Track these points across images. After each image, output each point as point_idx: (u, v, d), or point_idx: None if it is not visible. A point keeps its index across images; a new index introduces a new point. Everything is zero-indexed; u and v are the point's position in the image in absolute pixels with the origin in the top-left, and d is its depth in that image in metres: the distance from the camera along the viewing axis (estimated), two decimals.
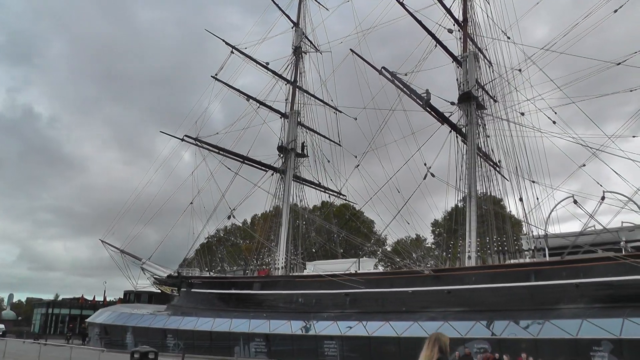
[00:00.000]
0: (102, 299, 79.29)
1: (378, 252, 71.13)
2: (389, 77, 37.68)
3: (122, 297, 76.18)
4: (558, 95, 38.35)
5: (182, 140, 48.13)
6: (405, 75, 38.20)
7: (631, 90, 38.21)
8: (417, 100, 38.24)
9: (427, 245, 73.66)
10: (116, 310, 52.72)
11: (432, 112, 39.56)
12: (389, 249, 73.74)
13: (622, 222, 33.61)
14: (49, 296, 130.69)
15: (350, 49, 41.00)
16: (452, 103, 40.76)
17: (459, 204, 71.59)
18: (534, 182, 39.85)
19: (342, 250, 59.86)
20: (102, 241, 53.95)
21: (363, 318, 35.95)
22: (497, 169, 42.31)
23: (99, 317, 52.79)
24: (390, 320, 34.19)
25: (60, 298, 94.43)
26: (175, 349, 42.69)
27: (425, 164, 39.19)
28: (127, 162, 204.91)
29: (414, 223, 43.17)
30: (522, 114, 40.24)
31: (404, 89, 37.98)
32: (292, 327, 37.82)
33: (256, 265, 53.98)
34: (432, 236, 75.92)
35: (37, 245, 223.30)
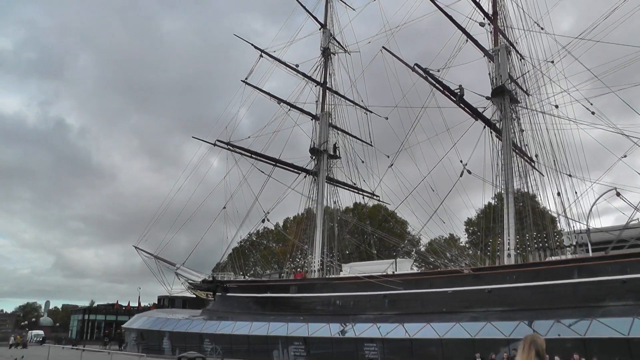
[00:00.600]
0: (137, 305, 79.81)
1: (412, 253, 70.53)
2: (422, 73, 37.16)
3: (157, 302, 76.72)
4: (590, 86, 37.59)
5: (215, 145, 48.16)
6: (438, 71, 37.67)
7: None
8: (451, 96, 37.70)
9: (461, 244, 72.64)
10: (152, 315, 52.90)
11: (465, 108, 38.97)
12: (422, 249, 73.14)
13: None
14: (83, 303, 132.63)
15: (383, 47, 40.67)
16: (487, 98, 40.07)
17: (493, 202, 71.04)
18: (570, 175, 39.13)
19: (375, 252, 59.47)
20: (135, 247, 54.29)
21: (403, 320, 35.44)
22: (533, 163, 41.52)
23: (135, 322, 53.08)
24: (431, 322, 33.65)
25: (95, 304, 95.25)
26: (213, 354, 42.67)
27: (461, 161, 38.73)
28: (155, 170, 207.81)
29: (448, 222, 42.49)
30: (557, 106, 39.46)
31: (437, 85, 37.46)
32: (331, 329, 37.46)
33: (291, 269, 53.69)
34: (466, 235, 74.95)
35: (69, 253, 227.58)
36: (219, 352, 42.16)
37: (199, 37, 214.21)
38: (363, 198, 53.30)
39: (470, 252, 57.07)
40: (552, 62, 39.88)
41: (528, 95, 42.48)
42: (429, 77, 37.25)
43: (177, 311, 56.68)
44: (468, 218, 72.63)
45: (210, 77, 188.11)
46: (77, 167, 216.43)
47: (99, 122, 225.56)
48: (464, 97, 38.63)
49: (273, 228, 73.33)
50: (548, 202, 38.17)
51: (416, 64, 37.07)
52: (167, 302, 71.09)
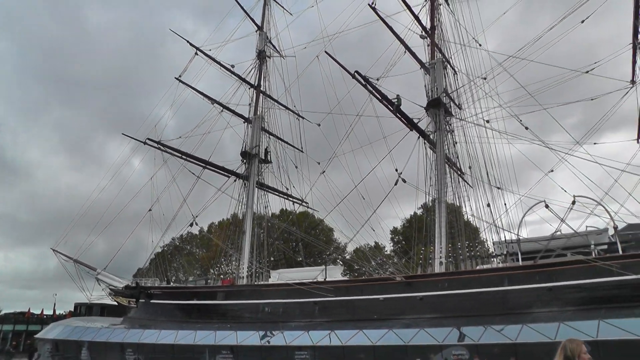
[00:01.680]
0: (52, 313, 75.84)
1: (338, 260, 70.63)
2: (362, 81, 37.21)
3: (73, 310, 73.22)
4: (520, 103, 38.75)
5: (145, 143, 46.35)
6: (377, 80, 37.80)
7: (592, 99, 39.12)
8: (388, 106, 37.94)
9: (387, 252, 73.38)
10: (69, 324, 49.94)
11: (401, 118, 39.28)
12: (348, 256, 73.41)
13: (587, 227, 33.97)
14: None
15: (325, 51, 40.39)
16: (425, 107, 40.59)
17: (418, 211, 72.20)
18: (499, 188, 40.21)
19: (300, 259, 59.06)
20: (53, 250, 51.67)
21: (334, 327, 35.02)
22: (462, 175, 42.43)
23: (50, 332, 49.91)
24: (363, 329, 33.37)
25: (2, 312, 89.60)
26: None
27: (396, 170, 38.93)
28: (76, 168, 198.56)
29: (373, 231, 42.75)
30: (487, 121, 40.45)
31: (376, 94, 37.60)
32: (260, 337, 36.57)
33: (218, 275, 52.43)
34: (392, 244, 75.75)
35: None
36: None
37: (129, 33, 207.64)
38: (293, 204, 52.81)
39: (395, 260, 57.56)
40: (485, 78, 40.97)
41: (460, 109, 43.42)
42: (368, 86, 37.34)
43: (96, 319, 53.92)
44: (394, 227, 73.47)
45: (138, 74, 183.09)
46: None
47: (17, 114, 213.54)
48: (401, 107, 39.01)
49: (204, 232, 71.80)
50: (481, 213, 38.77)
51: (356, 71, 37.08)
52: (84, 310, 67.79)
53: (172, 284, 53.98)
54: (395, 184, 39.09)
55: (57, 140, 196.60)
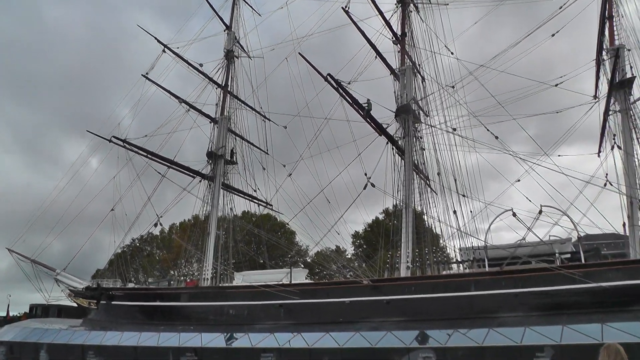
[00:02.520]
0: (6, 314, 73.65)
1: (300, 263, 70.59)
2: (334, 84, 37.28)
3: (28, 311, 71.19)
4: (488, 113, 39.39)
5: (110, 141, 45.51)
6: (349, 84, 37.89)
7: (557, 112, 40.10)
8: (359, 110, 38.12)
9: (348, 256, 73.45)
10: (27, 326, 48.51)
11: (371, 123, 39.48)
12: (309, 259, 73.42)
13: (550, 236, 34.67)
14: None
15: (299, 53, 40.16)
16: (395, 114, 40.84)
17: (380, 216, 72.60)
18: (464, 196, 40.64)
19: (262, 261, 58.77)
20: (9, 250, 50.25)
21: (299, 329, 34.86)
22: (428, 182, 42.79)
23: (5, 334, 48.23)
24: (330, 331, 33.28)
25: None
26: None
27: (365, 174, 39.08)
28: (30, 167, 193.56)
29: (338, 234, 42.71)
30: (454, 129, 40.91)
31: (347, 97, 37.71)
32: (225, 339, 36.17)
33: (181, 276, 51.76)
34: (353, 247, 75.97)
35: None
36: None
37: (88, 30, 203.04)
38: (258, 206, 52.43)
39: (357, 264, 57.78)
40: (453, 86, 41.51)
41: (427, 116, 43.82)
42: (339, 89, 37.43)
43: (54, 321, 52.41)
44: (355, 231, 73.73)
45: (96, 72, 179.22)
46: None
47: None
48: (371, 112, 39.25)
49: (159, 233, 70.89)
50: (447, 219, 39.10)
51: (329, 74, 37.15)
52: (40, 312, 65.88)
53: (133, 285, 53.02)
54: (364, 188, 39.22)
55: (10, 138, 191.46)
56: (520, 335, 28.30)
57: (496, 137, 37.44)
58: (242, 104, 51.90)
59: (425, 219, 41.65)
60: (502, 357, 27.50)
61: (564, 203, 34.66)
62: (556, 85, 36.26)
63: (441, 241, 41.05)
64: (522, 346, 27.70)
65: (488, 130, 38.28)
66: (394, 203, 41.79)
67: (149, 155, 46.53)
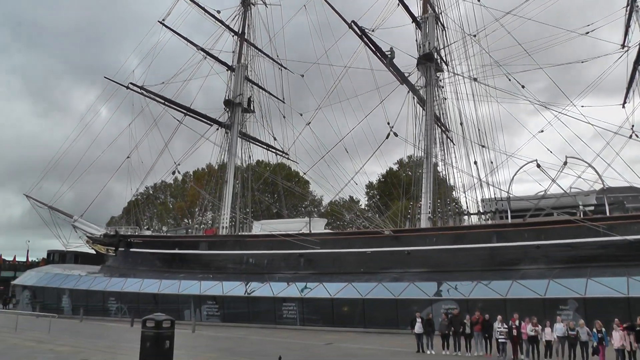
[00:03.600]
0: (25, 260, 74.46)
1: (314, 213, 70.54)
2: (358, 32, 36.41)
3: (46, 257, 71.94)
4: (511, 62, 38.37)
5: (127, 88, 45.00)
6: (373, 31, 36.95)
7: (582, 62, 39.07)
8: (382, 58, 37.27)
9: (362, 206, 73.32)
10: (49, 271, 49.07)
11: (393, 71, 38.66)
12: (322, 210, 73.34)
13: (571, 188, 34.18)
14: None
15: None
16: (419, 59, 39.84)
17: (394, 167, 72.04)
18: (483, 146, 39.94)
19: (275, 210, 58.70)
20: (27, 196, 50.42)
21: (320, 279, 35.03)
22: (447, 133, 42.09)
23: (28, 279, 48.89)
24: (352, 282, 33.40)
25: None
26: (118, 313, 40.46)
27: (388, 123, 38.47)
28: (40, 115, 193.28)
29: (356, 185, 42.52)
30: (475, 79, 39.91)
31: (371, 45, 36.86)
32: (246, 288, 36.41)
33: (198, 225, 51.84)
34: (366, 198, 75.70)
35: None
36: (124, 312, 40.01)
37: None
38: (276, 156, 52.06)
39: (370, 214, 57.72)
40: (475, 35, 40.31)
41: (447, 65, 42.80)
42: (364, 37, 36.54)
43: (73, 267, 52.92)
44: (369, 181, 73.38)
45: (106, 20, 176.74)
46: None
47: None
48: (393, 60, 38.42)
49: (176, 181, 70.82)
50: (471, 169, 38.51)
51: (353, 21, 36.29)
52: (57, 257, 66.53)
53: (150, 233, 53.20)
54: (387, 137, 38.69)
55: (20, 85, 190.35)
56: (544, 287, 28.24)
57: (522, 87, 36.53)
58: (259, 52, 50.83)
59: (442, 170, 41.01)
60: (525, 310, 27.51)
61: (585, 155, 34.09)
62: (587, 33, 35.05)
63: (461, 192, 40.55)
64: (546, 299, 27.66)
65: (510, 80, 37.35)
66: (414, 153, 41.25)
67: (166, 103, 45.98)
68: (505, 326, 19.94)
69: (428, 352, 21.34)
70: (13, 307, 48.88)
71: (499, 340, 19.77)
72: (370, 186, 75.05)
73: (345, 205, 55.31)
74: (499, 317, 20.61)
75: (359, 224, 61.21)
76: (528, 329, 19.28)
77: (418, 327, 21.69)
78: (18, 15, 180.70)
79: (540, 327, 19.31)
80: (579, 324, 18.68)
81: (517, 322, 19.84)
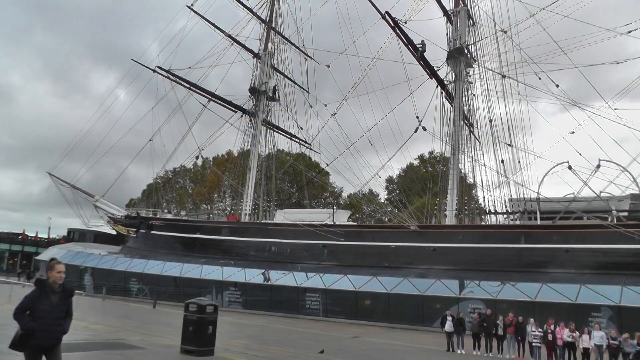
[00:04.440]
0: (47, 236, 75.16)
1: (333, 203, 70.27)
2: (391, 22, 35.90)
3: (66, 235, 72.52)
4: (544, 60, 37.62)
5: (154, 71, 44.94)
6: (405, 23, 36.44)
7: (618, 63, 38.34)
8: (413, 51, 36.78)
9: (381, 200, 72.89)
10: (71, 249, 49.24)
11: (424, 65, 38.18)
12: (342, 201, 73.10)
13: (600, 192, 33.49)
14: None
15: None
16: (449, 54, 39.29)
17: (415, 162, 71.48)
18: (510, 145, 39.33)
19: (294, 200, 58.43)
20: (50, 174, 50.62)
21: (343, 271, 34.78)
22: (473, 129, 41.51)
23: (50, 255, 49.08)
24: (376, 275, 33.12)
25: None
26: (139, 294, 40.49)
27: (417, 117, 38.04)
28: (60, 96, 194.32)
29: (380, 178, 42.22)
30: (504, 76, 39.21)
31: (402, 37, 36.37)
32: (270, 276, 36.25)
33: (220, 210, 51.76)
34: (386, 192, 75.27)
35: None
36: (146, 293, 40.03)
37: None
38: (299, 146, 51.74)
39: (389, 209, 57.30)
40: (505, 31, 39.56)
41: (475, 61, 42.12)
42: (396, 28, 36.07)
43: (93, 246, 53.17)
44: (389, 175, 72.92)
45: (129, 4, 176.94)
46: None
47: None
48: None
49: (196, 166, 70.83)
50: (498, 168, 37.94)
51: (387, 12, 35.79)
52: (77, 236, 67.04)
53: (171, 216, 53.23)
54: (415, 132, 38.26)
55: (41, 66, 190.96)
56: (575, 292, 27.72)
57: (557, 85, 35.91)
58: (286, 41, 50.39)
59: (464, 167, 40.32)
60: (555, 314, 27.04)
61: (615, 158, 33.30)
62: (629, 32, 34.05)
63: (487, 191, 39.97)
64: (577, 304, 27.12)
65: (539, 78, 36.65)
66: (442, 149, 40.78)
67: (191, 88, 45.75)
68: (540, 330, 19.60)
69: (458, 351, 20.98)
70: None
71: (533, 344, 19.39)
72: (390, 180, 74.53)
73: (365, 198, 54.94)
74: (532, 320, 20.25)
75: (377, 217, 60.93)
76: (565, 334, 18.91)
77: (449, 326, 21.37)
78: None
79: (577, 333, 18.91)
80: (623, 335, 18.20)
81: (552, 327, 19.52)
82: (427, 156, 71.06)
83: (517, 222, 35.36)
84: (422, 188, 52.70)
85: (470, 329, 21.68)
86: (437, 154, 66.68)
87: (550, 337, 19.24)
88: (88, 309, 27.23)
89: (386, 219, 51.76)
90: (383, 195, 74.91)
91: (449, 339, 21.32)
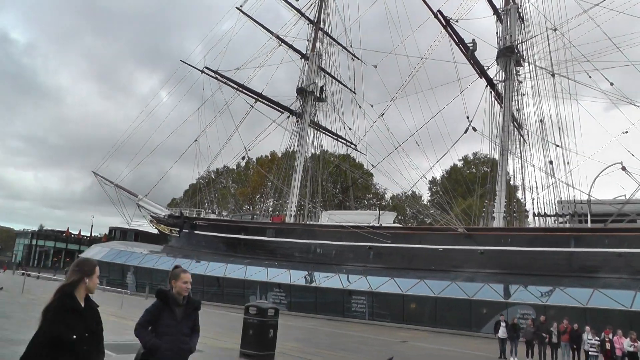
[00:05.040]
0: (89, 234, 76.80)
1: (376, 206, 69.88)
2: (443, 21, 35.47)
3: (108, 233, 73.84)
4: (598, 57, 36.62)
5: (202, 72, 45.40)
6: (457, 22, 35.96)
7: None
8: (464, 50, 36.30)
9: (423, 202, 72.10)
10: (114, 247, 49.99)
11: (473, 64, 37.64)
12: (384, 203, 72.59)
13: None
14: (19, 226, 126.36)
15: None
16: (500, 52, 38.66)
17: (459, 163, 70.50)
18: (557, 146, 38.44)
19: (336, 201, 58.23)
20: (95, 173, 51.46)
21: (389, 274, 34.46)
22: (520, 130, 40.73)
23: (94, 253, 49.94)
24: (424, 279, 32.72)
25: (44, 229, 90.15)
26: None
27: (467, 117, 37.58)
28: (105, 96, 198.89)
29: (426, 179, 41.76)
30: (554, 74, 38.39)
31: (454, 36, 35.94)
32: (315, 278, 36.17)
33: (267, 211, 51.88)
34: (429, 194, 74.50)
35: (6, 173, 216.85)
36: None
37: None
38: (346, 147, 51.54)
39: (432, 211, 56.66)
40: (555, 29, 38.69)
41: (523, 60, 41.30)
42: (448, 27, 35.66)
43: (134, 244, 53.90)
44: (433, 177, 72.19)
45: (173, 7, 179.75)
46: (20, 83, 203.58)
47: (48, 40, 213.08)
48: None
49: (239, 167, 71.31)
50: (548, 169, 37.13)
51: (439, 10, 35.38)
52: (118, 234, 68.25)
53: (214, 216, 53.59)
54: (465, 132, 37.77)
55: (87, 67, 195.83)
56: (630, 299, 26.82)
57: (611, 84, 35.00)
58: (333, 41, 50.23)
59: (511, 169, 39.55)
60: (608, 322, 26.20)
61: None
62: None
63: (535, 193, 39.11)
64: (633, 312, 26.25)
65: (590, 76, 35.73)
66: (491, 150, 40.12)
67: (239, 88, 46.00)
68: (597, 338, 19.06)
69: (511, 358, 20.47)
70: None
71: (590, 352, 18.88)
72: (433, 182, 73.65)
73: (408, 200, 54.48)
74: (588, 327, 19.71)
75: (420, 219, 60.27)
76: (625, 343, 18.25)
77: (502, 332, 20.83)
78: (88, 1, 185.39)
79: (639, 342, 18.26)
80: None
81: (610, 335, 18.93)
82: (471, 157, 70.12)
83: (567, 225, 34.50)
84: (466, 190, 52.07)
85: (524, 336, 21.13)
86: (482, 155, 66.12)
87: (608, 346, 18.66)
88: (133, 307, 27.52)
89: (428, 221, 51.18)
90: (426, 197, 74.24)
91: (502, 346, 20.80)
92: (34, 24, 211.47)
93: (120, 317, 20.68)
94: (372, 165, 44.02)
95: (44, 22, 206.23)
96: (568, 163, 37.69)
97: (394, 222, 42.38)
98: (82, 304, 3.41)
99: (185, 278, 5.17)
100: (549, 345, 20.25)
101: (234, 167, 73.92)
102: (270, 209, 57.60)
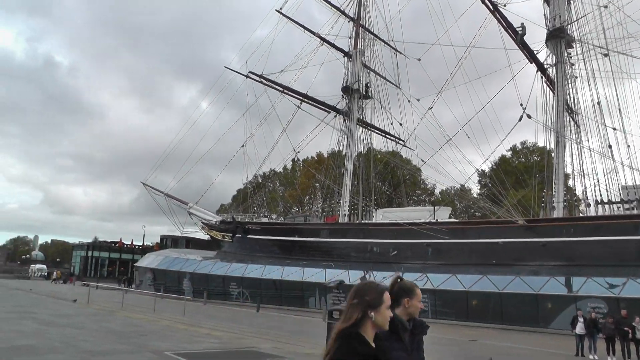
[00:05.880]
0: (141, 244, 78.08)
1: (433, 202, 68.82)
2: (490, 6, 34.51)
3: (159, 242, 74.82)
4: None
5: (247, 77, 45.37)
6: (504, 6, 34.97)
7: None
8: (512, 35, 35.28)
9: (473, 195, 70.64)
10: (168, 255, 50.56)
11: (523, 49, 36.54)
12: (433, 198, 71.46)
13: None
14: (71, 239, 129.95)
15: None
16: (550, 34, 37.38)
17: (507, 154, 68.80)
18: (615, 129, 36.88)
19: (387, 198, 57.53)
20: (144, 184, 52.12)
21: (450, 270, 33.66)
22: (573, 115, 39.22)
23: (149, 261, 50.70)
24: (486, 274, 31.83)
25: (98, 240, 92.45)
26: (240, 298, 40.84)
27: (521, 104, 36.33)
28: (145, 110, 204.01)
29: (478, 172, 40.60)
30: (606, 54, 36.83)
31: (502, 21, 34.94)
32: (374, 278, 35.62)
33: (320, 212, 51.57)
34: (478, 186, 72.94)
35: (57, 189, 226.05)
36: (246, 296, 40.35)
37: None
38: (396, 144, 50.79)
39: (482, 204, 55.46)
40: (606, 6, 37.19)
41: (574, 40, 39.77)
42: (496, 12, 34.67)
43: (187, 251, 54.40)
44: (481, 170, 70.77)
45: (202, 19, 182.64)
46: (66, 104, 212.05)
47: (89, 60, 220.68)
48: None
49: (285, 169, 71.31)
50: (609, 153, 35.59)
51: None
52: (170, 242, 69.08)
53: (266, 220, 53.56)
54: (520, 120, 36.59)
55: (127, 84, 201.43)
56: None
57: None
58: (375, 37, 49.55)
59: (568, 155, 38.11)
60: None
61: None
62: None
63: (595, 179, 37.60)
64: None
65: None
66: (545, 137, 38.90)
67: (284, 91, 45.83)
68: None
69: (590, 356, 19.32)
70: (136, 287, 50.60)
71: None
72: (483, 174, 72.19)
73: (458, 194, 53.46)
74: None
75: (471, 213, 59.07)
76: None
77: (580, 328, 19.89)
78: (124, 20, 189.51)
79: None
80: None
81: None
82: (520, 147, 68.37)
83: (635, 212, 33.01)
84: (516, 180, 50.78)
85: (604, 332, 20.06)
86: (531, 144, 64.31)
87: None
88: (194, 313, 27.55)
89: (479, 215, 50.09)
90: (475, 190, 72.81)
91: (580, 342, 19.85)
92: (75, 46, 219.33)
93: (187, 325, 20.56)
94: (422, 161, 42.90)
95: (84, 44, 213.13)
96: (629, 146, 36.26)
97: (450, 217, 41.54)
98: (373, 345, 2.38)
99: (419, 294, 3.59)
100: (632, 342, 19.19)
101: (281, 170, 74.00)
102: (320, 210, 57.36)
